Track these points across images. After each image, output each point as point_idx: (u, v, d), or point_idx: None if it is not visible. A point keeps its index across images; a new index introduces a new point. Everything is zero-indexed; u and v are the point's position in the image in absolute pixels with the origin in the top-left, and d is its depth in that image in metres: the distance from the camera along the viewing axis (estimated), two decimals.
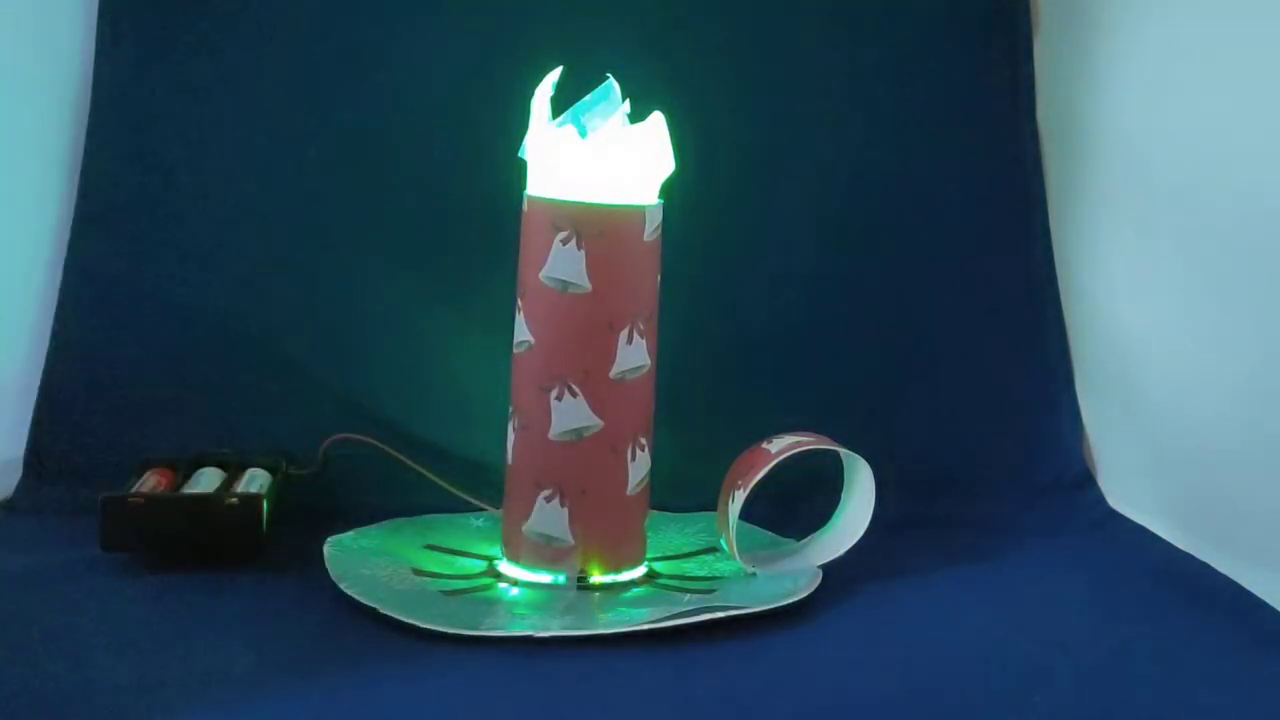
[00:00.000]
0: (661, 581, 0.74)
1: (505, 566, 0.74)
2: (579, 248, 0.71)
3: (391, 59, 0.91)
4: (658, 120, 0.72)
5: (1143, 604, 0.74)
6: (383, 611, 0.67)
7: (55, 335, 0.88)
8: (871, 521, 0.76)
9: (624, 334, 0.72)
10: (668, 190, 0.74)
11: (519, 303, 0.73)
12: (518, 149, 0.74)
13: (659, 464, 0.76)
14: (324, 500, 0.83)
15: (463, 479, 0.84)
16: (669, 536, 0.81)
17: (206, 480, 0.79)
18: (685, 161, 0.74)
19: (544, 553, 0.73)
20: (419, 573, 0.73)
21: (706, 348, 0.91)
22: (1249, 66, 0.78)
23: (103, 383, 0.87)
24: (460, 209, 0.90)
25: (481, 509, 0.83)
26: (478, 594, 0.71)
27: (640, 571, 0.75)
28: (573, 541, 0.72)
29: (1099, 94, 0.92)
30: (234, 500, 0.74)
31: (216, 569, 0.73)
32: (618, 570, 0.74)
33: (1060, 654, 0.66)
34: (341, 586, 0.69)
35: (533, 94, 0.73)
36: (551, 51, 0.75)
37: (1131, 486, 0.90)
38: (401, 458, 0.84)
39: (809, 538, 0.79)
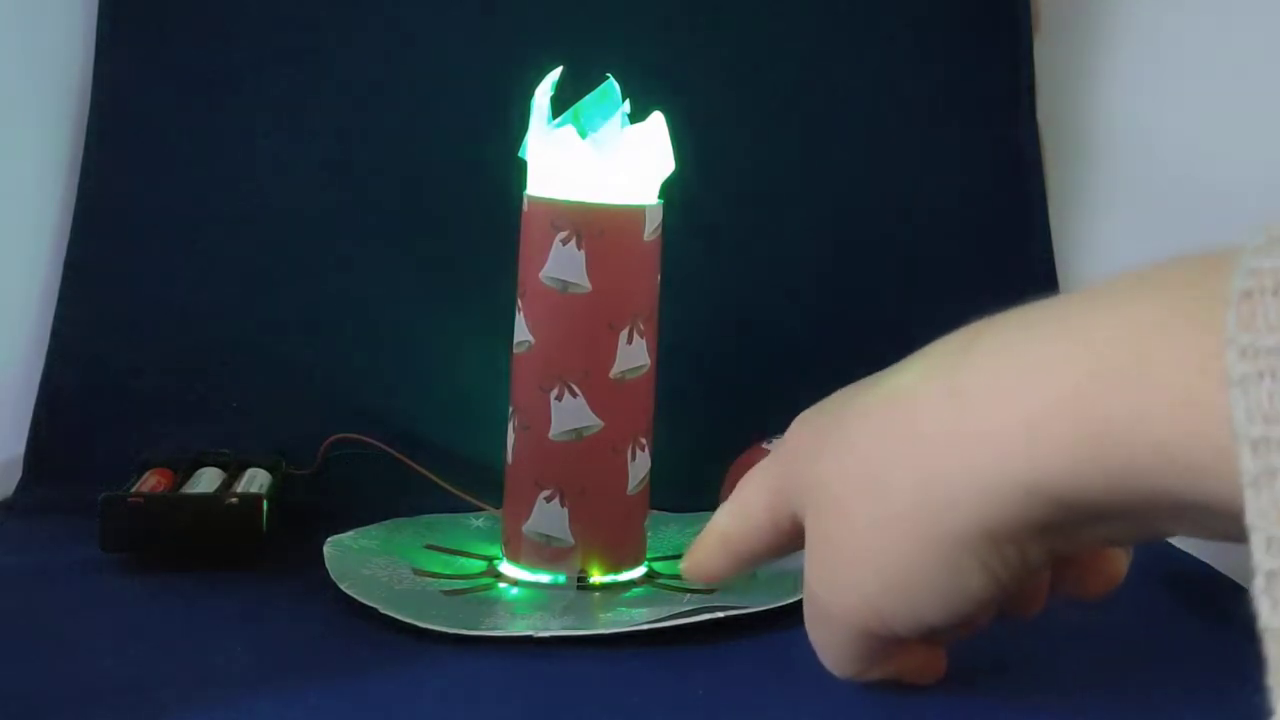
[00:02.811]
0: (661, 582, 0.74)
1: (505, 566, 0.74)
2: (579, 248, 0.71)
3: (392, 59, 0.92)
4: (658, 120, 0.72)
5: (1143, 605, 0.74)
6: (383, 611, 0.66)
7: (55, 335, 0.88)
8: None
9: (624, 334, 0.72)
10: (668, 190, 0.74)
11: (519, 303, 0.73)
12: (518, 149, 0.74)
13: (659, 464, 0.76)
14: (324, 500, 0.84)
15: (463, 479, 0.84)
16: (669, 536, 0.81)
17: (206, 480, 0.79)
18: (685, 161, 0.74)
19: (544, 553, 0.73)
20: (419, 573, 0.73)
21: (706, 348, 0.91)
22: (1251, 66, 0.78)
23: (102, 383, 0.87)
24: (460, 209, 0.90)
25: (481, 509, 0.83)
26: (478, 594, 0.71)
27: (640, 571, 0.75)
28: (573, 541, 0.72)
29: (1099, 94, 0.93)
30: (234, 500, 0.74)
31: (216, 569, 0.73)
32: (618, 570, 0.74)
33: (1060, 654, 0.66)
34: (342, 586, 0.69)
35: (533, 94, 0.73)
36: (551, 51, 0.75)
37: None
38: (401, 458, 0.84)
39: None
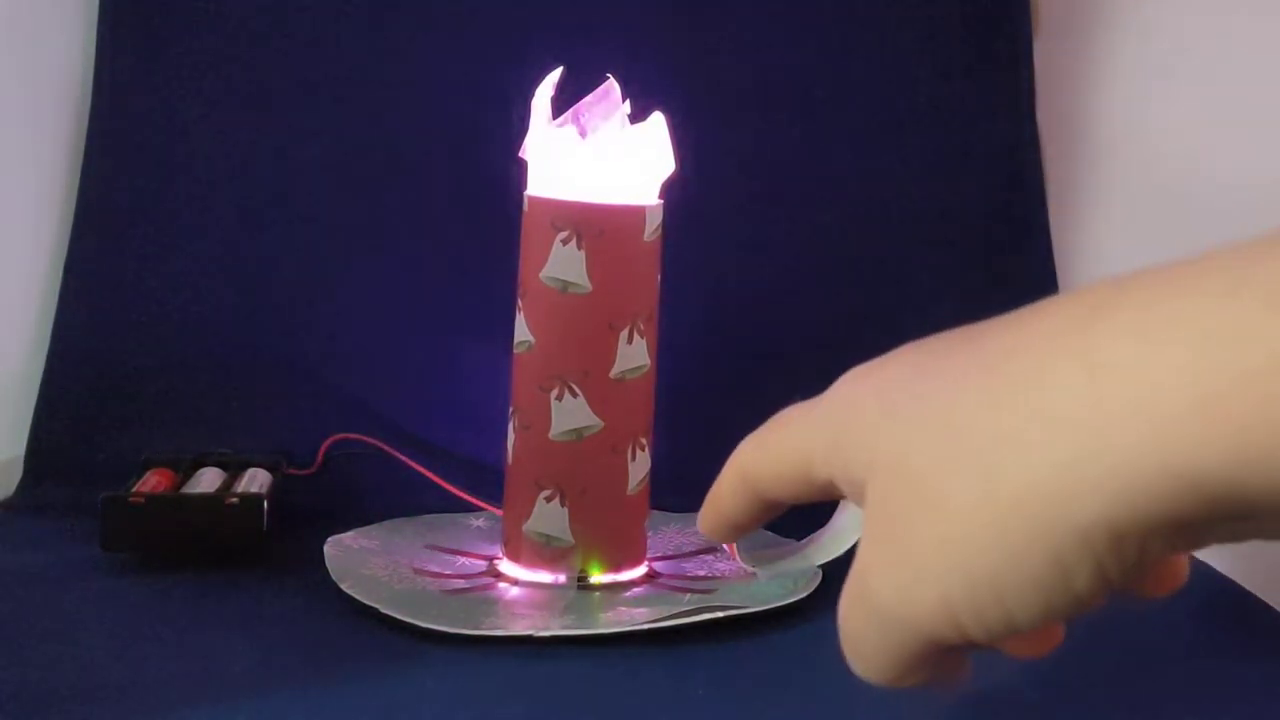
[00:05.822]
0: (661, 581, 0.74)
1: (505, 566, 0.74)
2: (579, 248, 0.71)
3: (391, 59, 0.91)
4: (658, 120, 0.72)
5: (1146, 608, 0.74)
6: (383, 611, 0.67)
7: (55, 335, 0.88)
8: None
9: (624, 334, 0.72)
10: (668, 190, 0.74)
11: (519, 303, 0.73)
12: (518, 149, 0.74)
13: (659, 464, 0.76)
14: (324, 500, 0.84)
15: (463, 479, 0.84)
16: (669, 536, 0.81)
17: (207, 480, 0.79)
18: (685, 161, 0.74)
19: (544, 552, 0.73)
20: (419, 573, 0.73)
21: (706, 348, 0.91)
22: (1251, 66, 0.78)
23: (103, 383, 0.87)
24: (460, 209, 0.90)
25: (481, 509, 0.83)
26: (478, 594, 0.71)
27: (640, 571, 0.75)
28: (573, 541, 0.72)
29: (1099, 94, 0.93)
30: (234, 500, 0.74)
31: (217, 569, 0.73)
32: (618, 570, 0.74)
33: (1059, 655, 0.66)
34: (342, 586, 0.69)
35: (533, 94, 0.73)
36: (551, 51, 0.75)
37: None
38: (401, 458, 0.84)
39: (809, 538, 0.79)
